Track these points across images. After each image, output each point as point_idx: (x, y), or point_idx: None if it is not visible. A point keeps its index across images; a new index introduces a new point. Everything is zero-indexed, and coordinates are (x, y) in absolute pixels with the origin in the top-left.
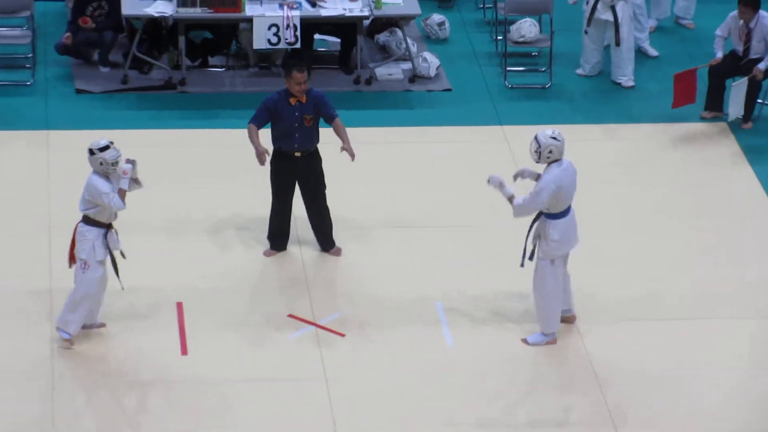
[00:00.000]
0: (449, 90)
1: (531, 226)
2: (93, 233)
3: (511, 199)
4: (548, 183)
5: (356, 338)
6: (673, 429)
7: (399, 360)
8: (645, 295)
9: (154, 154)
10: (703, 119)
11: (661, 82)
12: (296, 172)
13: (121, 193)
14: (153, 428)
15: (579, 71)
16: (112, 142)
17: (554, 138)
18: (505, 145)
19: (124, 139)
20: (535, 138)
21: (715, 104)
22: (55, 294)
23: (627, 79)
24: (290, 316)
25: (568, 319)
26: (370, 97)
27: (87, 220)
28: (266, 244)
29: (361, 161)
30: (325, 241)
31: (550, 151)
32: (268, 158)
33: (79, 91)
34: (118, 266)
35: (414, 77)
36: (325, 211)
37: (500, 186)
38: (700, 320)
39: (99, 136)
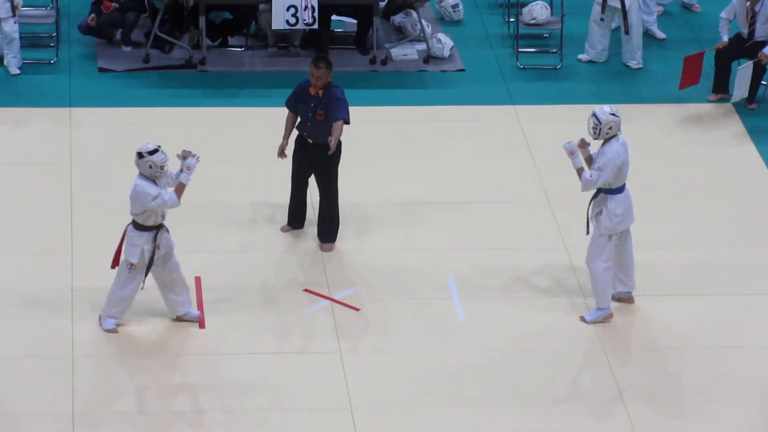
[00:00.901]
0: (463, 70)
1: (590, 202)
2: (143, 239)
3: (580, 171)
4: (612, 158)
5: (370, 313)
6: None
7: (412, 334)
8: (644, 269)
9: (174, 131)
10: (709, 102)
11: (668, 65)
12: (309, 159)
13: (180, 188)
14: (172, 401)
15: (582, 56)
16: (159, 146)
17: (613, 114)
18: (517, 124)
19: (145, 117)
20: (594, 115)
21: (721, 87)
22: (76, 271)
23: (636, 63)
24: (306, 290)
25: (628, 299)
26: (386, 77)
27: (136, 225)
28: (284, 221)
29: (376, 140)
30: (324, 231)
31: (610, 128)
32: (287, 155)
33: (101, 70)
34: (152, 266)
35: (428, 58)
36: (332, 203)
37: (571, 155)
38: (702, 296)
39: (123, 115)
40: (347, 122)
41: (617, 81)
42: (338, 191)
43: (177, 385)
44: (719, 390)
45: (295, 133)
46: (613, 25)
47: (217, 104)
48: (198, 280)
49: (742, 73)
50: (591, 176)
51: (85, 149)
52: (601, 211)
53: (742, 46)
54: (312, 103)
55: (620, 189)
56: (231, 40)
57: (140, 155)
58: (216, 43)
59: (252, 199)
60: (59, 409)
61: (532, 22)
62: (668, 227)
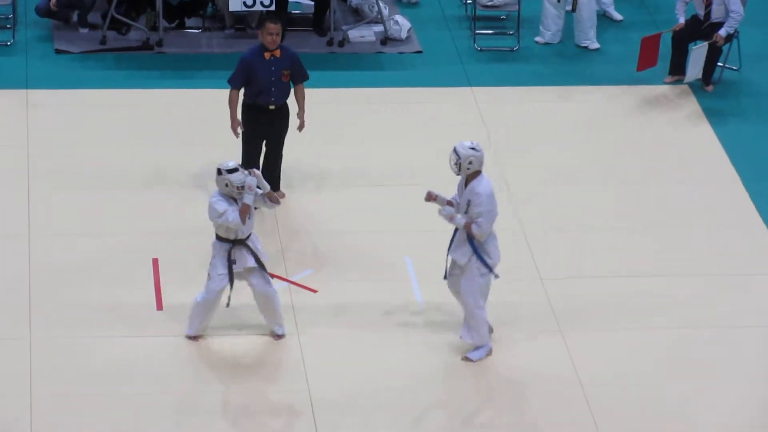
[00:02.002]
0: (420, 52)
1: (452, 241)
2: (216, 248)
3: (468, 225)
4: (488, 194)
5: (329, 295)
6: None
7: (369, 316)
8: (603, 253)
9: (131, 113)
10: (665, 83)
11: (625, 46)
12: (267, 124)
13: (244, 209)
14: (128, 383)
15: (538, 39)
16: (240, 166)
17: (473, 149)
18: (474, 106)
19: (102, 99)
20: (454, 150)
21: (677, 68)
22: (33, 251)
23: (591, 42)
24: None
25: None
26: (343, 58)
27: (216, 235)
28: None
29: (333, 121)
30: (272, 183)
31: (470, 162)
32: (240, 131)
33: (58, 52)
34: (233, 282)
35: (386, 39)
36: (280, 158)
37: (451, 218)
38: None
39: (80, 96)
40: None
41: (574, 62)
42: None
43: (131, 366)
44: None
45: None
46: (568, 8)
47: (174, 86)
48: (155, 261)
49: (696, 53)
50: (480, 224)
51: (41, 131)
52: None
53: (698, 28)
54: (272, 67)
55: None
56: (188, 22)
57: (219, 172)
58: (173, 25)
59: (208, 180)
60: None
61: (490, 3)
62: (624, 209)
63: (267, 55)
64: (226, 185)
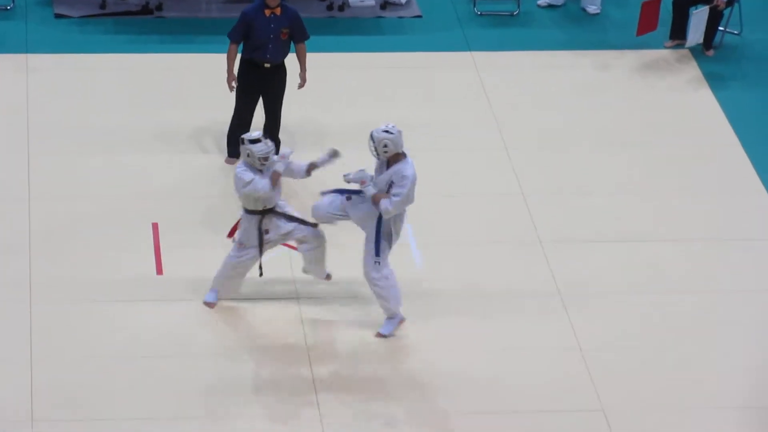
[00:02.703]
0: (419, 17)
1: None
2: (249, 222)
3: (377, 198)
4: (413, 181)
5: (328, 260)
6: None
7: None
8: (603, 217)
9: (131, 77)
10: (666, 48)
11: (626, 10)
12: (263, 83)
13: (275, 176)
14: (127, 347)
15: (541, 2)
16: (264, 137)
17: (387, 131)
18: (474, 71)
19: (102, 63)
20: (370, 136)
21: (678, 33)
22: (33, 214)
23: (594, 8)
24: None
25: None
26: (343, 23)
27: (244, 208)
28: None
29: (332, 86)
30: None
31: (385, 145)
32: (234, 85)
33: (58, 16)
34: (263, 251)
35: (385, 4)
36: (279, 120)
37: (362, 183)
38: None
39: (79, 61)
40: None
41: (575, 26)
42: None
43: (130, 331)
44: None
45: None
46: None
47: (174, 50)
48: (155, 226)
49: (697, 17)
50: (391, 203)
51: (41, 95)
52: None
53: None
54: (272, 24)
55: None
56: None
57: (242, 141)
58: None
59: (208, 145)
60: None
61: None
62: (624, 174)
63: (267, 12)
64: (248, 155)
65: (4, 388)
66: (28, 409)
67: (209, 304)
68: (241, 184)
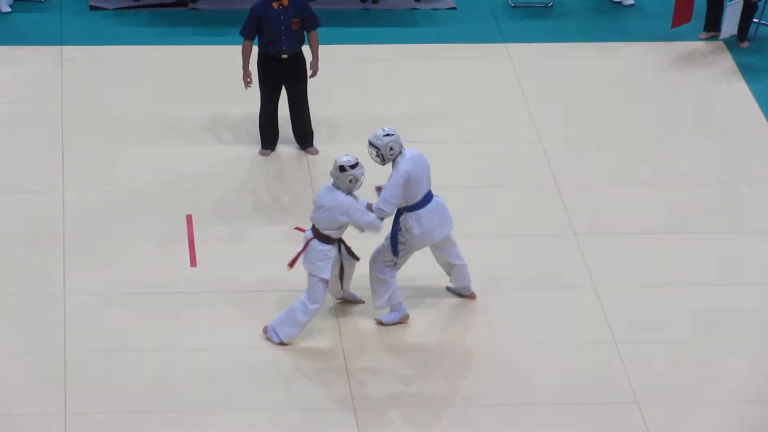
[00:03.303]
0: (454, 8)
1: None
2: (321, 250)
3: (369, 207)
4: (394, 181)
5: (360, 251)
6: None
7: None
8: (635, 208)
9: (165, 69)
10: (700, 39)
11: (660, 2)
12: (283, 75)
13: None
14: (162, 339)
15: None
16: (357, 159)
17: (388, 135)
18: (508, 63)
19: (136, 55)
20: (371, 144)
21: (712, 24)
22: (67, 206)
23: (628, 0)
24: (297, 228)
25: (469, 295)
26: (377, 15)
27: (319, 234)
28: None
29: (366, 77)
30: (303, 139)
31: (391, 149)
32: (251, 84)
33: (92, 8)
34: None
35: None
36: (307, 111)
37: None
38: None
39: (113, 53)
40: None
41: (609, 18)
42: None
43: (166, 322)
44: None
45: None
46: None
47: (208, 42)
48: (189, 218)
49: (732, 9)
50: (377, 206)
51: (76, 87)
52: (403, 228)
53: None
54: (281, 16)
55: (419, 204)
56: None
57: (342, 169)
58: None
59: (242, 136)
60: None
61: None
62: (658, 165)
63: (275, 4)
64: (350, 181)
65: (38, 380)
66: (62, 402)
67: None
68: (359, 217)
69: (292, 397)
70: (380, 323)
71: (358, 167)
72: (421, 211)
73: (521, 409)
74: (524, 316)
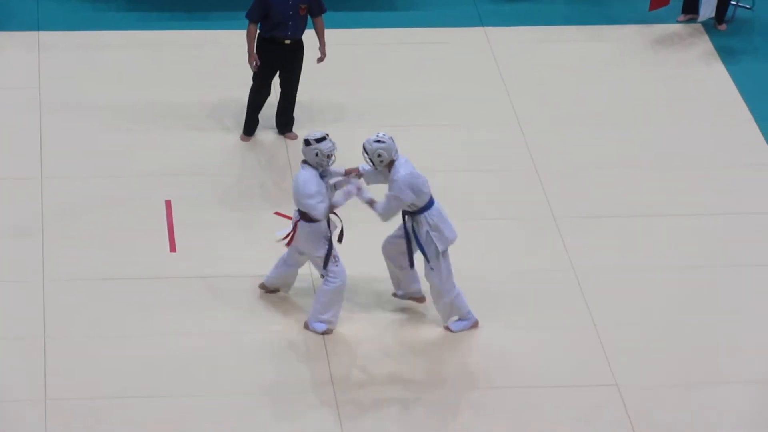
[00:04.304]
0: None
1: (407, 233)
2: (311, 230)
3: (371, 203)
4: (404, 180)
5: (345, 239)
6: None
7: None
8: (616, 192)
9: (143, 54)
10: (678, 22)
11: None
12: (282, 60)
13: (331, 208)
14: (143, 324)
15: None
16: (327, 134)
17: (378, 141)
18: (487, 46)
19: (115, 40)
20: (363, 148)
21: (690, 7)
22: (45, 192)
23: None
24: (276, 213)
25: (418, 299)
26: None
27: (311, 218)
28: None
29: (344, 62)
30: (285, 123)
31: (380, 155)
32: (258, 63)
33: None
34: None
35: None
36: (294, 97)
37: (358, 190)
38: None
39: (92, 38)
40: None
41: (587, 2)
42: None
43: (145, 308)
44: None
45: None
46: None
47: (187, 27)
48: (168, 203)
49: None
50: (383, 207)
51: (53, 73)
52: (428, 231)
53: None
54: (290, 1)
55: (427, 206)
56: None
57: (307, 143)
58: None
59: (223, 122)
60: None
61: None
62: (636, 148)
63: None
64: (317, 155)
65: (18, 367)
66: (41, 388)
67: (328, 332)
68: (302, 195)
69: (275, 380)
70: (448, 329)
71: (324, 141)
72: (430, 212)
73: (500, 392)
74: (504, 302)
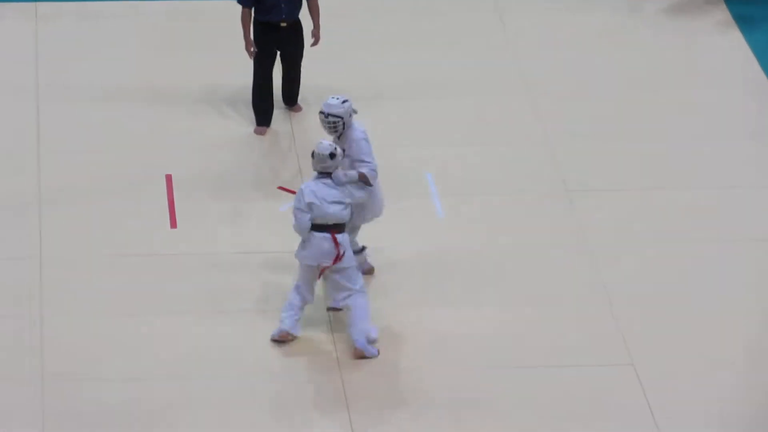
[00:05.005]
0: None
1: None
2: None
3: (361, 176)
4: (365, 146)
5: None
6: None
7: (391, 232)
8: (630, 162)
9: (142, 25)
10: None
11: None
12: (281, 43)
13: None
14: (142, 300)
15: None
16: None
17: (346, 101)
18: (495, 13)
19: (113, 11)
20: (330, 114)
21: None
22: (43, 167)
23: None
24: (280, 188)
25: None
26: None
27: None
28: (253, 121)
29: (348, 34)
30: (290, 98)
31: (350, 115)
32: (254, 50)
33: None
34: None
35: None
36: (299, 76)
37: (346, 177)
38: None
39: (90, 8)
40: None
41: None
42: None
43: (145, 284)
44: None
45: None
46: None
47: None
48: (169, 178)
49: None
50: (370, 167)
51: (50, 44)
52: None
53: None
54: None
55: None
56: None
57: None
58: None
59: (221, 92)
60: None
61: None
62: (652, 117)
63: None
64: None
65: (16, 344)
66: (39, 365)
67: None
68: (295, 202)
69: (277, 363)
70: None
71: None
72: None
73: (514, 372)
74: (516, 279)
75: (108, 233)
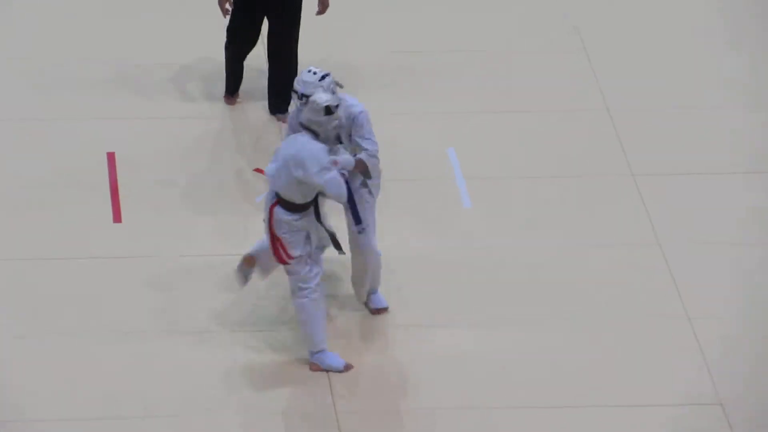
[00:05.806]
0: None
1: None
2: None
3: (359, 164)
4: (368, 123)
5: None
6: None
7: (409, 219)
8: (708, 142)
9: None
10: None
11: None
12: (266, 5)
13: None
14: (72, 319)
15: None
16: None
17: (327, 74)
18: None
19: None
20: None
21: None
22: None
23: None
24: (256, 170)
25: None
26: None
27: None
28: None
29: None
30: (278, 103)
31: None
32: (230, 8)
33: None
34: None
35: None
36: (295, 57)
37: (347, 163)
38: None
39: None
40: None
41: None
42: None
43: (81, 294)
44: None
45: None
46: None
47: None
48: (111, 156)
49: None
50: (371, 145)
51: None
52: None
53: None
54: None
55: None
56: None
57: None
58: None
59: (197, 65)
60: None
61: None
62: (718, 85)
63: None
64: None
65: None
66: None
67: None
68: (314, 167)
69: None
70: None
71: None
72: None
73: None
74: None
75: (42, 235)
